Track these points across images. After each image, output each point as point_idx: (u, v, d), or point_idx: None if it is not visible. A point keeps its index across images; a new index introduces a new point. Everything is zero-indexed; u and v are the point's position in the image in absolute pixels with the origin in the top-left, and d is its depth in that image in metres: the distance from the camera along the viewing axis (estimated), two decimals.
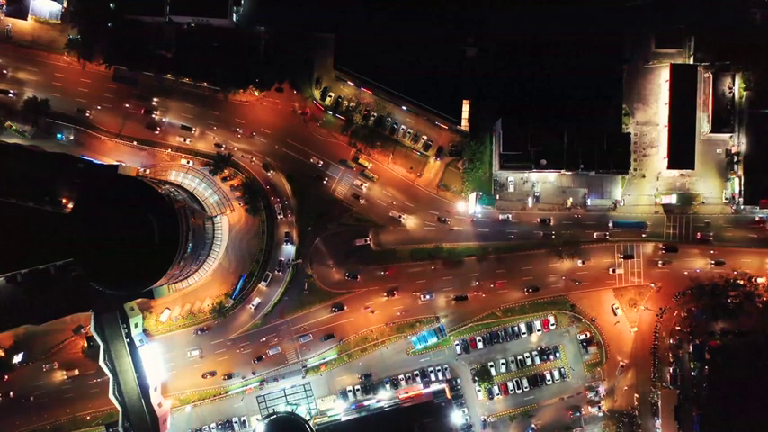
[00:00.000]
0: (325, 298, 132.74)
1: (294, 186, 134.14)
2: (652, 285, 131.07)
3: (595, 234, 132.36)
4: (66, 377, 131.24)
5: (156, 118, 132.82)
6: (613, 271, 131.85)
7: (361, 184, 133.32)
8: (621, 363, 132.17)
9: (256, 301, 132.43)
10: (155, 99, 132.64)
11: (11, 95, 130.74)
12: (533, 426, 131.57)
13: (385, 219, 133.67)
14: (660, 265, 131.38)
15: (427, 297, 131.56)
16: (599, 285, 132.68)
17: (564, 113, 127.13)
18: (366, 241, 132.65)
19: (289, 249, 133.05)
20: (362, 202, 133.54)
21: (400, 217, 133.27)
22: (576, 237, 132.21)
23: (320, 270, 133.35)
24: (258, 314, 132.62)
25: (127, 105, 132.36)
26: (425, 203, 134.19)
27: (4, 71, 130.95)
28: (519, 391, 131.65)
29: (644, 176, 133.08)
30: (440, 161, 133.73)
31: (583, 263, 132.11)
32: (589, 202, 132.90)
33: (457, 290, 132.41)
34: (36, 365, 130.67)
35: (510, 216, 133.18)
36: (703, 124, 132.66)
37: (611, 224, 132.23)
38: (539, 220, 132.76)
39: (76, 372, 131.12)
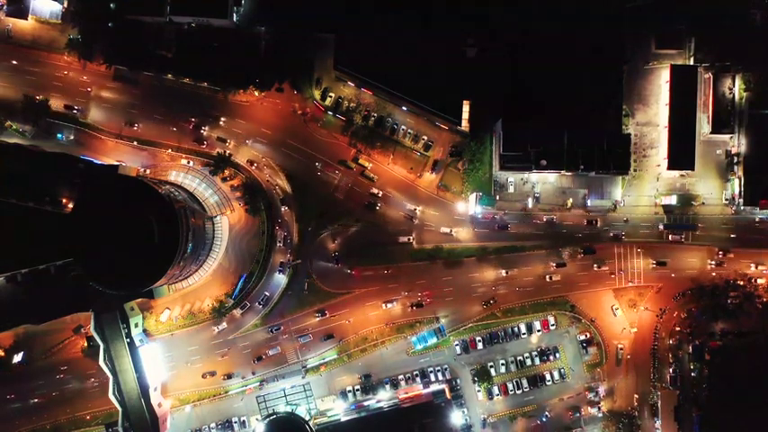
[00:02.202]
0: (325, 298, 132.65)
1: (294, 186, 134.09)
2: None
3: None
4: (66, 377, 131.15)
5: (205, 133, 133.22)
6: (550, 278, 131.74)
7: (414, 209, 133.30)
8: (619, 345, 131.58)
9: (222, 326, 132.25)
10: (222, 119, 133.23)
11: (75, 111, 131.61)
12: (547, 413, 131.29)
13: (387, 219, 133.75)
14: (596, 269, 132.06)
15: (389, 305, 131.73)
16: (599, 286, 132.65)
17: (564, 114, 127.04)
18: (409, 240, 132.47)
19: (279, 280, 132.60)
20: (379, 207, 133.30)
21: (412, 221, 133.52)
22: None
23: (320, 270, 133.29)
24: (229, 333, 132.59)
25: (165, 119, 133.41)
26: (425, 203, 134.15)
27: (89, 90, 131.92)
28: (519, 392, 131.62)
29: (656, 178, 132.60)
30: (435, 175, 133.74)
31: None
32: (589, 202, 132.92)
33: (413, 297, 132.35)
34: (36, 365, 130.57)
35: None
36: (703, 125, 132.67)
37: (660, 227, 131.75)
38: (586, 221, 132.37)
39: (76, 374, 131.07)
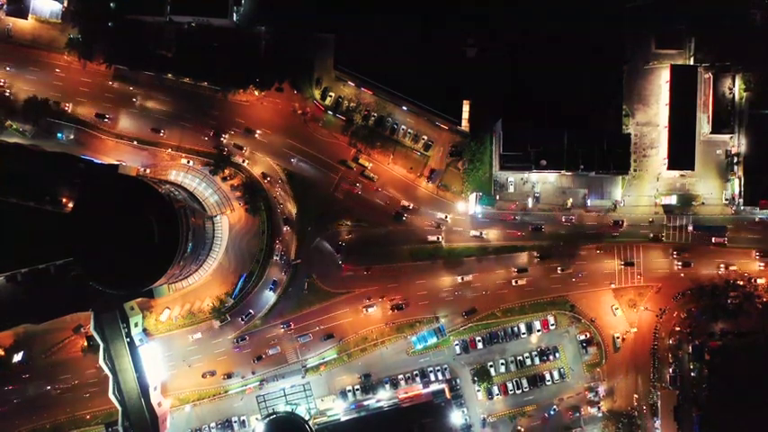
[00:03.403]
0: (325, 298, 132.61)
1: (294, 186, 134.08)
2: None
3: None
4: (65, 376, 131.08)
5: (225, 141, 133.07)
6: (516, 282, 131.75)
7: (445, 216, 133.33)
8: (616, 334, 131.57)
9: (197, 335, 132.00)
10: (258, 131, 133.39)
11: (106, 120, 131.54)
12: (555, 407, 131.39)
13: (386, 219, 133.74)
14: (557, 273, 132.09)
15: (370, 310, 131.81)
16: (599, 286, 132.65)
17: (564, 114, 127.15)
18: (438, 239, 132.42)
19: (268, 297, 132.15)
20: (405, 218, 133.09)
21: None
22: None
23: (320, 270, 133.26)
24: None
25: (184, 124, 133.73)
26: (426, 203, 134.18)
27: (134, 99, 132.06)
28: (518, 392, 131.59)
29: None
30: (432, 184, 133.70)
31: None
32: (589, 202, 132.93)
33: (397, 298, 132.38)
34: (36, 364, 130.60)
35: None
36: (703, 125, 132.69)
37: (691, 227, 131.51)
38: (612, 221, 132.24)
39: (76, 373, 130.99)
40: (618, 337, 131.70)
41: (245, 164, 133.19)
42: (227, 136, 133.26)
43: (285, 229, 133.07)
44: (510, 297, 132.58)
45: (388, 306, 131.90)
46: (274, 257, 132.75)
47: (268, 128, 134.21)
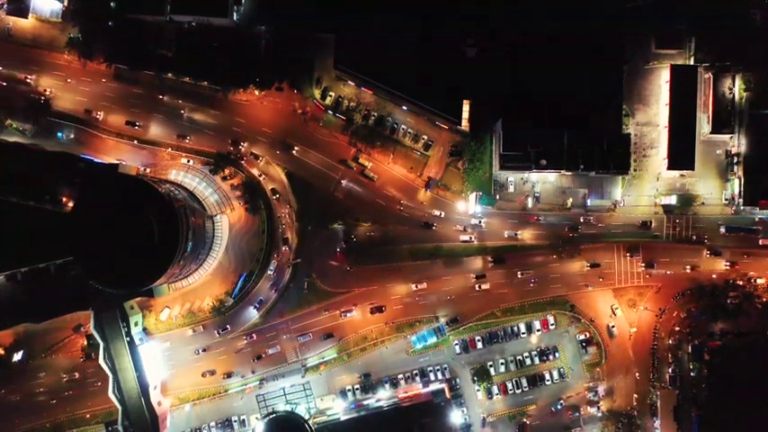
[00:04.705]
0: (325, 297, 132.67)
1: (294, 185, 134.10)
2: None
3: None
4: (65, 375, 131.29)
5: (243, 149, 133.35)
6: (478, 288, 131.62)
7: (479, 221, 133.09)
8: (611, 324, 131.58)
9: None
10: (296, 147, 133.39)
11: (137, 127, 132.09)
12: (562, 401, 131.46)
13: (387, 218, 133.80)
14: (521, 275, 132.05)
15: (347, 315, 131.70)
16: (598, 286, 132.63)
17: (564, 114, 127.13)
18: (471, 239, 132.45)
19: (251, 314, 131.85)
20: (435, 227, 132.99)
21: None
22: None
23: (320, 269, 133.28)
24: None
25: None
26: (425, 203, 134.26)
27: (182, 112, 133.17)
28: (518, 391, 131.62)
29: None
30: (430, 192, 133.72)
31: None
32: (589, 202, 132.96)
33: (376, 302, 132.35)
34: (36, 363, 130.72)
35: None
36: (703, 125, 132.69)
37: (722, 230, 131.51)
38: (641, 222, 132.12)
39: (76, 372, 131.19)
40: (613, 326, 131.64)
41: (261, 178, 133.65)
42: (245, 144, 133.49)
43: (284, 248, 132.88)
44: (511, 297, 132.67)
45: (368, 310, 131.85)
46: (268, 272, 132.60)
47: (268, 127, 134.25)
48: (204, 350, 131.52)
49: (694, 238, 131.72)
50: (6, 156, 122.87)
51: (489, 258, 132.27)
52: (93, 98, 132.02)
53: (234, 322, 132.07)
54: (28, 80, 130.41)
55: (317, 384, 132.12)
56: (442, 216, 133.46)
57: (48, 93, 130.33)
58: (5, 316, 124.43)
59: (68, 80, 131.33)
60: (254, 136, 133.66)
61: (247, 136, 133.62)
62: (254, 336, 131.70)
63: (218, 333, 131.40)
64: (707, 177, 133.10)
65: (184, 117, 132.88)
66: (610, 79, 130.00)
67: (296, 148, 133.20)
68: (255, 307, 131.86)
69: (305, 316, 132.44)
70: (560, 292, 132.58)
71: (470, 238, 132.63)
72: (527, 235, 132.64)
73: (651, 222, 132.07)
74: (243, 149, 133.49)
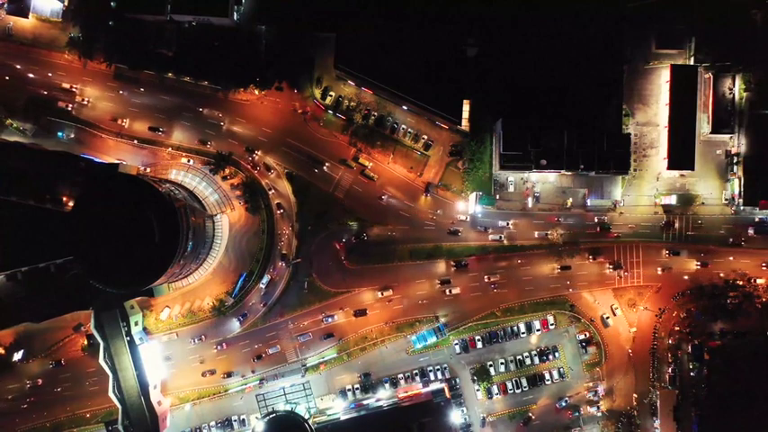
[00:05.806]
0: (325, 297, 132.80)
1: (294, 186, 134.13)
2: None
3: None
4: (65, 375, 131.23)
5: (257, 158, 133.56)
6: (448, 292, 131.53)
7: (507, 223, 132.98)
8: (605, 315, 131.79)
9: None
10: (326, 164, 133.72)
11: (160, 132, 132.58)
12: (566, 398, 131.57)
13: (387, 218, 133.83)
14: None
15: (329, 320, 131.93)
16: (598, 285, 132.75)
17: (564, 114, 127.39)
18: (500, 238, 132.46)
19: (233, 326, 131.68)
20: (460, 233, 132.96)
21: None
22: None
23: (320, 269, 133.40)
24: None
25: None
26: (425, 203, 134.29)
27: (222, 124, 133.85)
28: (518, 391, 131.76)
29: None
30: (429, 196, 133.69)
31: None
32: (589, 202, 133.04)
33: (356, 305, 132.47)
34: (36, 363, 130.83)
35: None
36: (703, 125, 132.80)
37: (751, 231, 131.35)
38: (664, 221, 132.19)
39: (76, 370, 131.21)
40: (606, 317, 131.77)
41: (270, 192, 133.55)
42: (259, 152, 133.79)
43: (280, 264, 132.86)
44: (511, 297, 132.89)
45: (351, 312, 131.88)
46: (260, 285, 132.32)
47: (268, 127, 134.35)
48: (201, 339, 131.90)
49: (731, 240, 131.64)
50: (7, 155, 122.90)
51: (452, 262, 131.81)
52: (122, 105, 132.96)
53: (215, 330, 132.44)
54: (73, 89, 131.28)
55: (317, 384, 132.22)
56: (467, 220, 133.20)
57: (86, 102, 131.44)
58: (6, 315, 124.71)
59: (121, 92, 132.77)
60: (275, 146, 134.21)
61: (266, 143, 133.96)
62: (224, 345, 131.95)
63: (192, 342, 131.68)
64: (707, 177, 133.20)
65: (223, 129, 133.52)
66: (610, 79, 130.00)
67: (327, 164, 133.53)
68: (239, 319, 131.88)
69: (305, 315, 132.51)
70: (560, 291, 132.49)
71: (500, 237, 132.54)
72: (554, 234, 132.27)
73: (674, 222, 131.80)
74: (257, 158, 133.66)
